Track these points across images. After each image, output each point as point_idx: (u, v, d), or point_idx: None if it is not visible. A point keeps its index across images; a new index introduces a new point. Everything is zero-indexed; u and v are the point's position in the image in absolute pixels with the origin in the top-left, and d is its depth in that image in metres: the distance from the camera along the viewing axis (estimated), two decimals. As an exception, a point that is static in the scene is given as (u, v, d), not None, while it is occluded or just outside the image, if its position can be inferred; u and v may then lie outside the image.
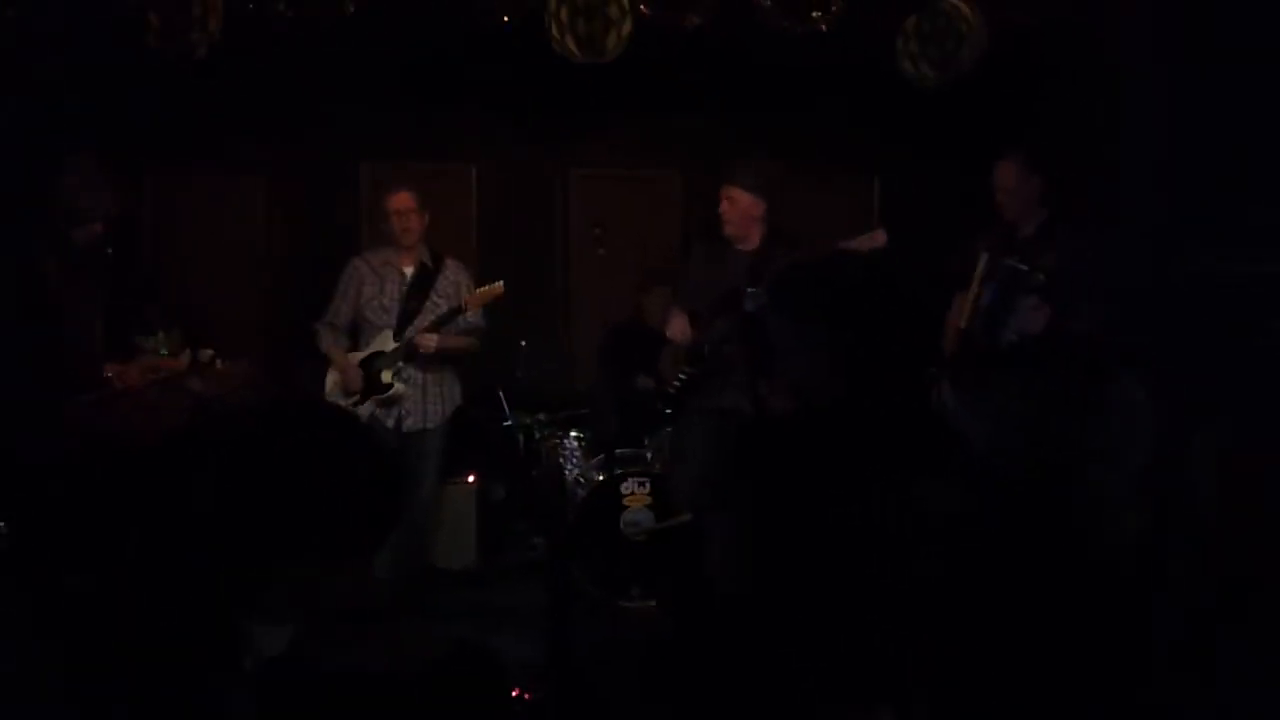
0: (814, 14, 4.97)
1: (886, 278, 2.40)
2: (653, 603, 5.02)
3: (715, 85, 6.42)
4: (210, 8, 4.75)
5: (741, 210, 4.70)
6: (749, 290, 4.36)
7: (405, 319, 4.97)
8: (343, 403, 4.97)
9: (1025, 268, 4.27)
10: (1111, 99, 4.86)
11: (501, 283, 4.95)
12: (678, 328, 4.80)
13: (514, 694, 3.96)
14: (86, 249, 4.04)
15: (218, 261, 6.45)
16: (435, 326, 4.93)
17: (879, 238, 4.50)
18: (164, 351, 4.40)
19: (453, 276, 5.09)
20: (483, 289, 4.98)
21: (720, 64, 6.20)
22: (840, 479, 2.21)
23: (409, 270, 5.04)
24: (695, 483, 4.59)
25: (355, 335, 5.10)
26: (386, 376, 4.91)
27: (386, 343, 4.95)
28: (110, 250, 4.13)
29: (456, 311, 4.95)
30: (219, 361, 4.54)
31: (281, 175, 6.57)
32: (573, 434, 5.62)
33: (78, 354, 3.97)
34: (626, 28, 4.95)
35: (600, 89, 5.99)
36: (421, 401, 4.98)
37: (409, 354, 4.92)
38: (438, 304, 5.00)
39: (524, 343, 5.66)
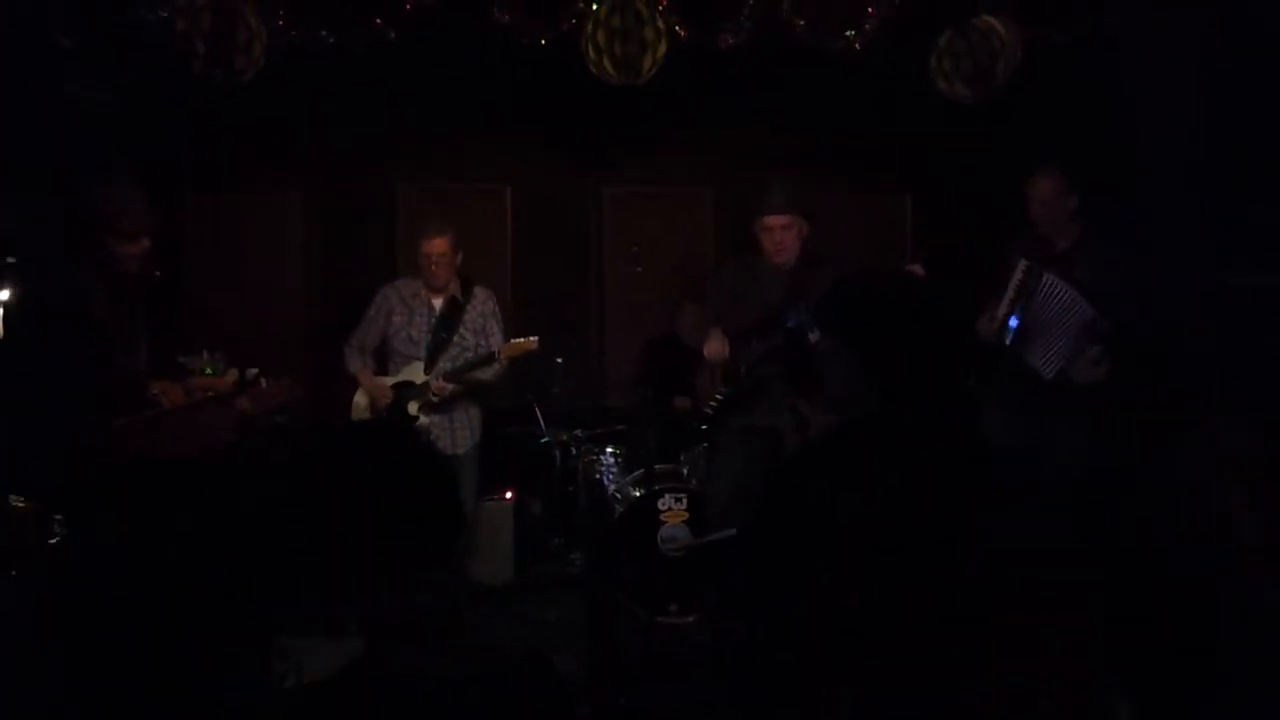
0: (848, 33, 5.02)
1: (928, 295, 2.44)
2: (690, 618, 5.04)
3: (749, 104, 6.47)
4: (255, 35, 4.85)
5: (794, 234, 4.65)
6: (791, 308, 4.38)
7: (435, 351, 5.07)
8: (369, 427, 5.05)
9: (1093, 315, 4.25)
10: (1143, 114, 4.87)
11: (536, 339, 5.03)
12: (715, 348, 4.81)
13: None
14: (131, 268, 4.11)
15: (256, 281, 6.54)
16: (460, 373, 5.02)
17: (916, 273, 4.52)
18: (209, 371, 4.47)
19: (480, 308, 5.17)
20: (517, 341, 5.05)
21: (754, 83, 6.25)
22: (884, 494, 2.24)
23: (438, 304, 5.13)
24: (730, 499, 4.62)
25: (382, 359, 5.19)
26: (413, 409, 5.02)
27: (417, 374, 5.05)
28: (158, 272, 4.21)
29: (488, 359, 5.03)
30: (264, 380, 4.61)
31: (320, 196, 6.66)
32: (609, 450, 5.66)
33: (124, 373, 4.04)
34: (662, 50, 5.01)
35: (634, 108, 6.06)
36: (450, 429, 5.06)
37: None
38: (465, 337, 5.09)
39: (560, 360, 5.71)
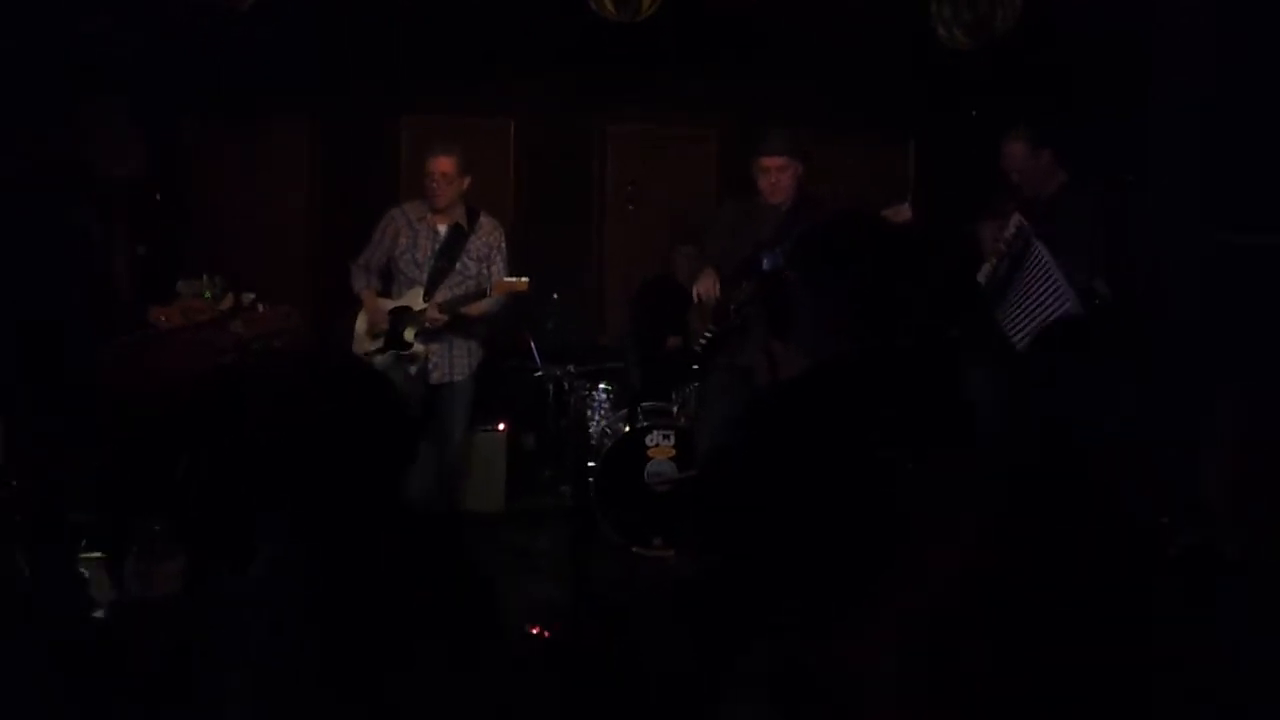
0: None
1: (904, 241, 2.48)
2: (673, 552, 5.16)
3: (752, 46, 6.46)
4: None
5: (790, 176, 4.75)
6: (765, 250, 4.45)
7: (436, 277, 5.09)
8: (368, 347, 5.11)
9: (1075, 303, 4.29)
10: (1146, 63, 4.86)
11: (527, 279, 5.02)
12: (705, 285, 4.90)
13: (534, 631, 4.15)
14: (126, 194, 4.19)
15: (262, 209, 6.61)
16: (454, 306, 5.04)
17: (904, 212, 4.57)
18: (208, 295, 4.56)
19: (485, 238, 5.18)
20: (509, 280, 5.04)
21: (756, 25, 6.25)
22: (846, 439, 2.31)
23: (443, 229, 5.13)
24: (710, 436, 4.73)
25: (388, 280, 5.23)
26: (409, 335, 5.05)
27: (416, 300, 5.08)
28: (158, 196, 4.30)
29: (481, 294, 5.07)
30: (261, 306, 4.70)
31: (326, 126, 6.71)
32: (601, 386, 5.75)
33: (118, 296, 4.14)
34: (660, -12, 5.01)
35: (640, 47, 6.06)
36: (448, 356, 5.10)
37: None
38: (467, 266, 5.12)
39: (556, 295, 5.78)
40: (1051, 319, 4.34)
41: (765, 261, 4.44)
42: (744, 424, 2.51)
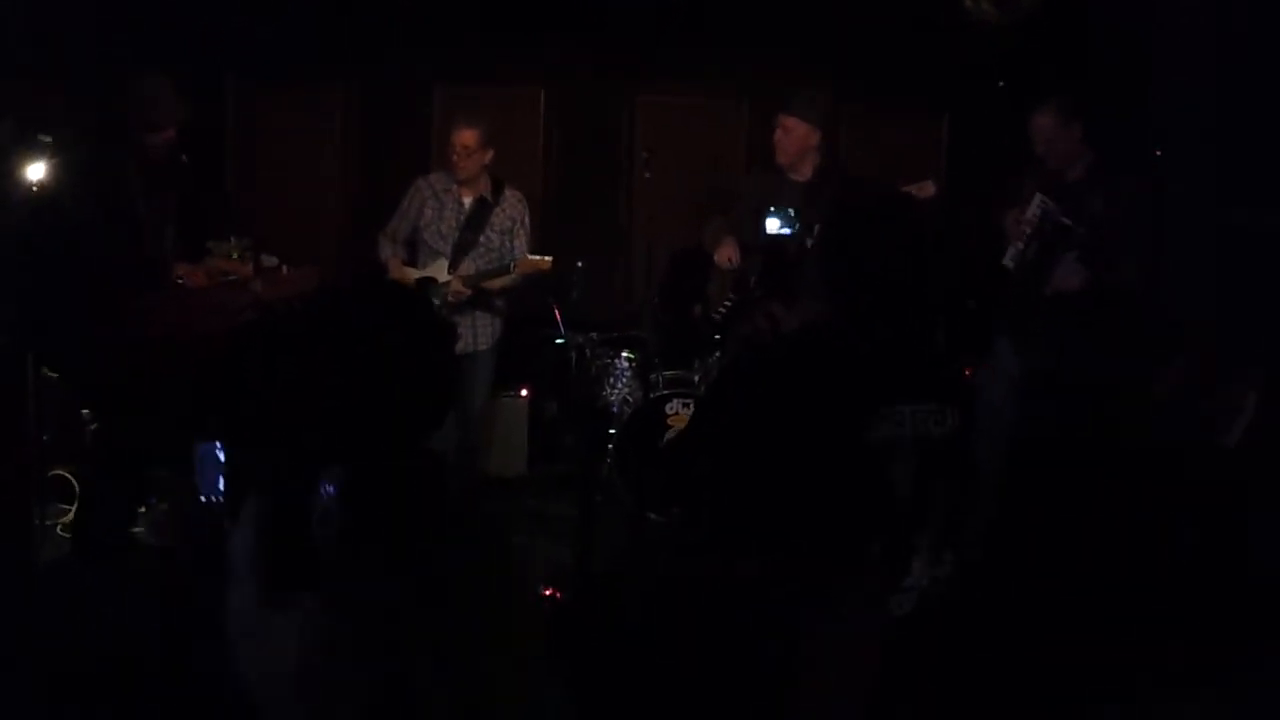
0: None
1: (922, 218, 2.49)
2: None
3: (785, 16, 6.43)
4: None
5: (797, 139, 4.78)
6: (772, 210, 4.45)
7: (461, 249, 5.14)
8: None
9: (1069, 222, 4.29)
10: (1168, 40, 4.80)
11: (551, 258, 5.05)
12: (725, 254, 4.91)
13: (546, 593, 4.22)
14: (161, 156, 4.29)
15: (295, 174, 6.69)
16: (477, 281, 5.09)
17: (928, 189, 4.55)
18: (235, 256, 4.66)
19: (510, 211, 5.22)
20: (532, 258, 5.07)
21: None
22: (832, 401, 2.33)
23: (468, 201, 5.18)
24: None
25: (413, 250, 5.29)
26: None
27: (441, 272, 5.13)
28: (185, 158, 4.39)
29: (504, 270, 5.10)
30: (284, 268, 4.80)
31: (359, 92, 6.78)
32: (624, 354, 5.76)
33: (150, 253, 4.25)
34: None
35: (672, 16, 6.06)
36: (472, 326, 5.16)
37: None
38: (491, 239, 5.16)
39: (580, 263, 5.81)
40: (1072, 267, 4.31)
41: (770, 224, 4.45)
42: (733, 383, 2.53)
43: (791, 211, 4.51)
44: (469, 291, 5.06)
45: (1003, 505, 4.14)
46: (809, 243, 4.34)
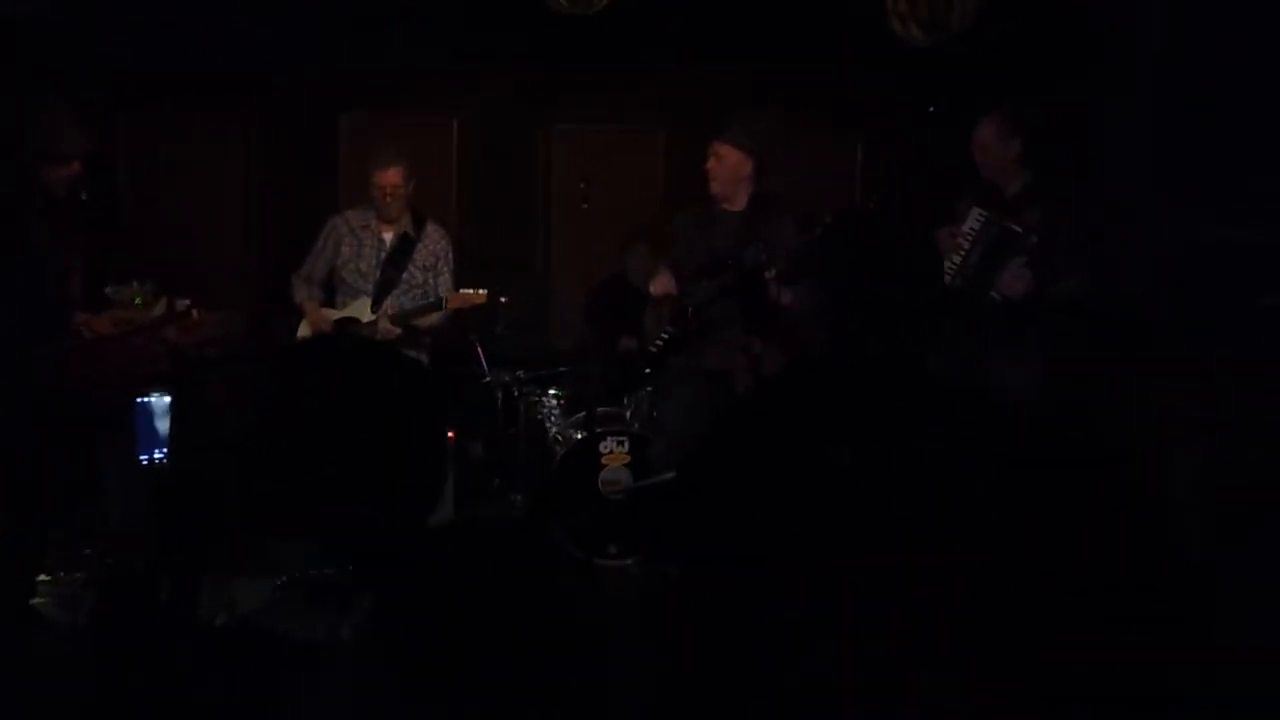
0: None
1: (891, 236, 2.42)
2: (630, 561, 5.02)
3: (701, 42, 6.34)
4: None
5: (730, 168, 4.69)
6: (746, 246, 4.36)
7: (384, 288, 4.98)
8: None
9: (1019, 229, 4.28)
10: (1103, 61, 4.83)
11: (485, 291, 4.97)
12: (662, 283, 4.78)
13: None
14: (60, 193, 3.96)
15: (194, 210, 6.35)
16: (407, 318, 4.93)
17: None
18: (138, 301, 4.32)
19: (433, 246, 5.08)
20: (466, 292, 4.98)
21: (707, 20, 6.14)
22: (839, 432, 2.21)
23: (389, 237, 5.03)
24: (671, 442, 4.60)
25: (331, 291, 5.07)
26: None
27: (363, 311, 4.94)
28: (85, 195, 4.06)
29: (436, 306, 4.94)
30: (196, 312, 4.48)
31: (261, 123, 6.46)
32: (551, 392, 5.59)
33: (54, 299, 3.91)
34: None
35: (586, 42, 5.92)
36: None
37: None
38: (414, 275, 5.01)
39: (504, 299, 5.62)
40: (1017, 274, 4.28)
41: (746, 258, 4.34)
42: (734, 425, 2.42)
43: (760, 246, 4.41)
44: (399, 330, 4.88)
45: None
46: (768, 273, 4.27)
